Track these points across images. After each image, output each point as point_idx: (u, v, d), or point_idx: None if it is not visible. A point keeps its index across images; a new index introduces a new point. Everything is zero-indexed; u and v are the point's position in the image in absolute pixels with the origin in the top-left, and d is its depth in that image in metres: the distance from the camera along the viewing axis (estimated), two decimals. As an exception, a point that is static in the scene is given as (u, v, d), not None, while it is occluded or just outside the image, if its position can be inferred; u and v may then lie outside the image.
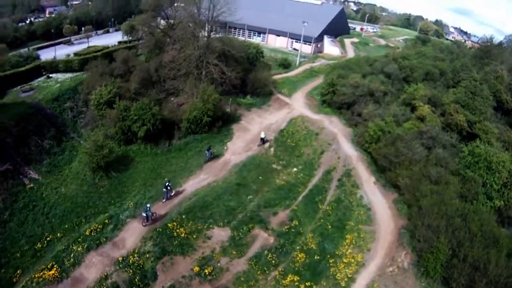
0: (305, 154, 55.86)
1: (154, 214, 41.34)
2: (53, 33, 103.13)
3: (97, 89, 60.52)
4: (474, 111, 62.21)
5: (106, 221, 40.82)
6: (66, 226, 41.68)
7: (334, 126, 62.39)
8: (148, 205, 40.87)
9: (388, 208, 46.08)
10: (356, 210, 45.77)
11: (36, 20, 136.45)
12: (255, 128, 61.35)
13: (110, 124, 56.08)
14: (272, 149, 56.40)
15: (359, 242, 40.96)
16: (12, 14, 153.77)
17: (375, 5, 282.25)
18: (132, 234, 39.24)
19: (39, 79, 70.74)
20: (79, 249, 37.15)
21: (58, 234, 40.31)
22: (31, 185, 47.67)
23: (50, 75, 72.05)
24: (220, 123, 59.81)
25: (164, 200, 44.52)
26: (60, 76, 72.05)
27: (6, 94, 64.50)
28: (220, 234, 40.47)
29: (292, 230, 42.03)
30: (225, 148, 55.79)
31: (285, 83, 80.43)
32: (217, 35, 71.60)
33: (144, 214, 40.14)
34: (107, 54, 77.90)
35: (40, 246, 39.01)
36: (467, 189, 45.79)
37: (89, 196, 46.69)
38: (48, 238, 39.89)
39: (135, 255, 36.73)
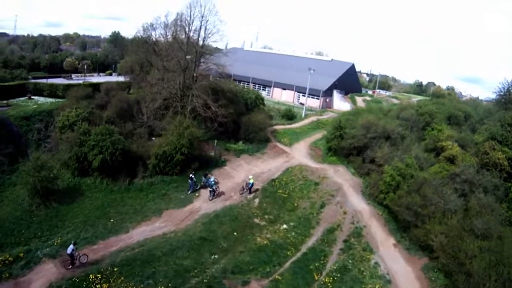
0: (299, 207, 42.24)
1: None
2: (46, 67, 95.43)
3: (66, 111, 50.54)
4: (515, 146, 47.44)
5: (21, 254, 29.90)
6: (-24, 252, 30.49)
7: (339, 176, 49.19)
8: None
9: (415, 278, 32.25)
10: (369, 283, 31.51)
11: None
12: (240, 176, 48.33)
13: (67, 149, 44.42)
14: (257, 200, 42.89)
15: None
16: (32, 52, 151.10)
17: (387, 75, 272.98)
18: (42, 277, 27.63)
19: (21, 98, 63.67)
20: (-29, 281, 26.67)
21: (-36, 261, 29.23)
22: (-35, 202, 37.96)
23: (33, 97, 64.88)
24: (196, 165, 46.78)
25: (189, 192, 42.28)
26: (42, 100, 64.69)
27: (-19, 107, 57.03)
28: (155, 304, 26.28)
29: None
30: (196, 194, 41.70)
31: (286, 134, 67.97)
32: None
33: None
34: (95, 86, 70.28)
35: None
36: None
37: (18, 223, 35.52)
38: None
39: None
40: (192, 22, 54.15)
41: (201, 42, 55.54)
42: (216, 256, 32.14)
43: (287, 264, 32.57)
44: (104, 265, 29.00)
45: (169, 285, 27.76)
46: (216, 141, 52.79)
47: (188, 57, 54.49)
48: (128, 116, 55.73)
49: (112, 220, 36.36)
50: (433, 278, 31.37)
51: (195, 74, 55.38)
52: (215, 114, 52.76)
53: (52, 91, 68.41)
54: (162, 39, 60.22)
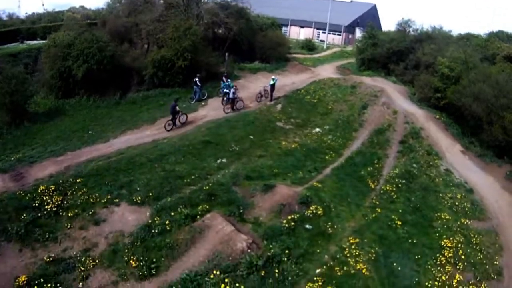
0: (335, 110, 30.59)
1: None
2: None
3: (53, 34, 39.02)
4: None
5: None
6: None
7: (379, 83, 36.86)
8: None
9: (501, 188, 22.04)
10: (445, 191, 20.54)
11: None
12: (257, 86, 35.86)
13: (49, 67, 33.05)
14: (279, 105, 31.23)
15: (471, 256, 15.93)
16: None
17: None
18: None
19: (13, 44, 51.73)
20: None
21: None
22: None
23: (25, 41, 52.51)
24: (203, 74, 34.34)
25: (193, 102, 30.96)
26: (36, 42, 51.80)
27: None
28: (125, 217, 16.13)
29: (307, 226, 16.18)
30: (202, 103, 30.24)
31: (308, 60, 54.34)
32: None
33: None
34: (93, 23, 56.49)
35: None
36: None
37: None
38: None
39: None
40: None
41: None
42: (223, 160, 20.95)
43: (327, 170, 21.31)
44: (65, 177, 18.45)
45: (149, 194, 17.06)
46: (227, 54, 40.77)
47: None
48: (126, 40, 43.25)
49: (90, 132, 25.61)
50: (525, 187, 20.37)
51: None
52: (224, 23, 40.52)
53: (46, 32, 55.18)
54: None
